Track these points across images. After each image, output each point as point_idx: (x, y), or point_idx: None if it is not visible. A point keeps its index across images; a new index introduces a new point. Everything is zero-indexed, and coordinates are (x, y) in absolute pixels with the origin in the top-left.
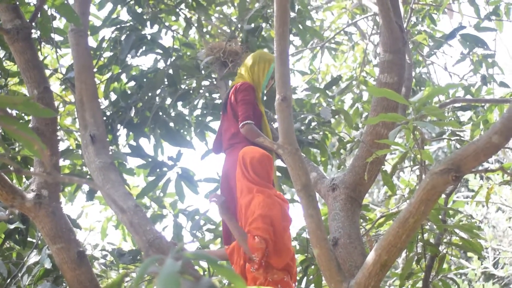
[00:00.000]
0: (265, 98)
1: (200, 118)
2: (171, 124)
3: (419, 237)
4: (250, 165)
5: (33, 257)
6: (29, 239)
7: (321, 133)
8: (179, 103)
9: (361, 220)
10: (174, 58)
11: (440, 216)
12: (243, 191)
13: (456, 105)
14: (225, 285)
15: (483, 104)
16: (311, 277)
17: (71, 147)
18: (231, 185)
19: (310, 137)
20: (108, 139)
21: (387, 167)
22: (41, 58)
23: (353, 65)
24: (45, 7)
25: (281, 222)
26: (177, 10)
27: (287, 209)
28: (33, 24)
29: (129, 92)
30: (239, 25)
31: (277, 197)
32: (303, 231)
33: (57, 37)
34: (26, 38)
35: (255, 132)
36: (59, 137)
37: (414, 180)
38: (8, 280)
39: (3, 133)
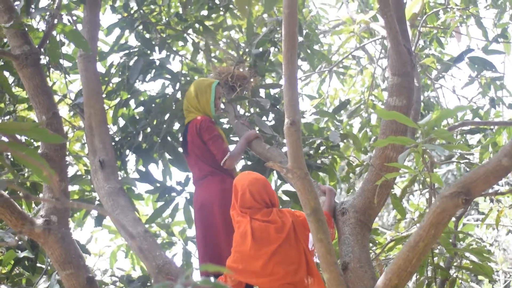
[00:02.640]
0: (273, 122)
1: None
2: (180, 149)
3: (429, 260)
4: (234, 195)
5: (42, 283)
6: (38, 265)
7: (329, 157)
8: None
9: (371, 244)
10: (182, 83)
11: (450, 240)
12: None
13: (465, 128)
14: None
15: (492, 127)
16: None
17: (80, 173)
18: (206, 215)
19: (319, 161)
20: (117, 165)
21: (397, 191)
22: (49, 83)
23: (362, 89)
24: (54, 33)
25: (251, 251)
26: (185, 35)
27: (273, 229)
28: (42, 50)
29: (137, 117)
30: (247, 50)
31: (259, 220)
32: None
33: (66, 63)
34: (34, 64)
35: (236, 160)
36: (68, 163)
37: (423, 204)
38: None
39: (12, 159)
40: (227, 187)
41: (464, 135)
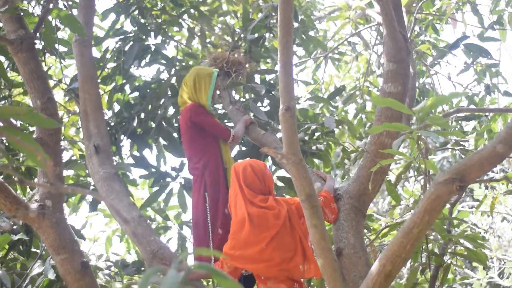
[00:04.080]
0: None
1: None
2: (174, 135)
3: (423, 247)
4: (236, 177)
5: (37, 268)
6: (33, 249)
7: (324, 143)
8: None
9: (366, 230)
10: (177, 68)
11: (444, 226)
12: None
13: (460, 114)
14: None
15: (487, 114)
16: (315, 287)
17: (74, 157)
18: (195, 213)
19: (313, 147)
20: (112, 150)
21: (392, 177)
22: (45, 68)
23: (357, 75)
24: (49, 17)
25: (250, 237)
26: (180, 20)
27: (271, 215)
28: (37, 34)
29: (132, 102)
30: (242, 35)
31: (256, 205)
32: None
33: (61, 48)
34: (30, 49)
35: (239, 135)
36: (62, 147)
37: (418, 190)
38: None
39: (7, 144)
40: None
41: (459, 121)
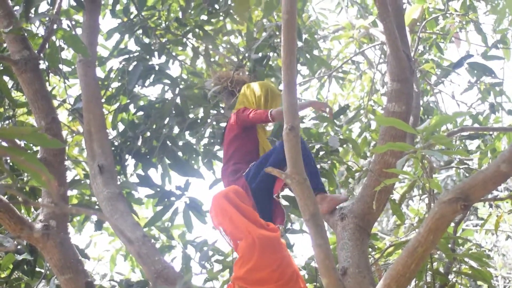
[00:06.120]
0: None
1: (208, 147)
2: (179, 154)
3: (428, 266)
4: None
5: None
6: (37, 269)
7: (329, 162)
8: (187, 133)
9: (370, 249)
10: (181, 87)
11: (449, 245)
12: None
13: (464, 133)
14: None
15: (491, 133)
16: None
17: (78, 177)
18: None
19: (318, 166)
20: (116, 169)
21: (396, 196)
22: (49, 88)
23: (361, 94)
24: (53, 38)
25: (260, 260)
26: (185, 40)
27: (277, 238)
28: (41, 55)
29: (137, 122)
30: (247, 55)
31: (264, 228)
32: (312, 261)
33: (65, 68)
34: (34, 69)
35: (277, 114)
36: (66, 167)
37: (423, 209)
38: None
39: (11, 164)
40: None
41: (463, 140)
